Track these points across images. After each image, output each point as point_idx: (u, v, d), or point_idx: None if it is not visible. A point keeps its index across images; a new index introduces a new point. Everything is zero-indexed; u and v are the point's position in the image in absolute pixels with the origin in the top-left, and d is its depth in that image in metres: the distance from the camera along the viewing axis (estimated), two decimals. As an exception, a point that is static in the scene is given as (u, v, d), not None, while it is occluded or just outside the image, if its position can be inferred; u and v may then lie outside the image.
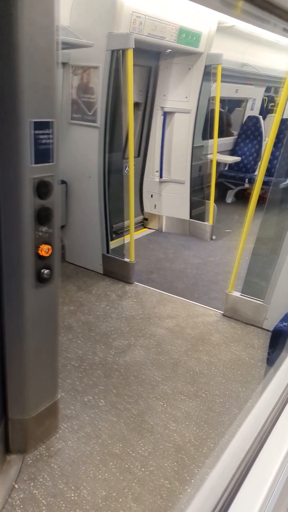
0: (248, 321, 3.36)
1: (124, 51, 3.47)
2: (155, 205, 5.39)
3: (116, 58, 3.59)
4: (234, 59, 5.78)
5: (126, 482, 2.00)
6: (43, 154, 1.72)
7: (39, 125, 1.66)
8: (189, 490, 1.96)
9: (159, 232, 5.38)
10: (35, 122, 1.65)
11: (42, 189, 1.74)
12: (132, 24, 3.63)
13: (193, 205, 5.23)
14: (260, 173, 3.19)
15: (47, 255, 1.82)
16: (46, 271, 1.85)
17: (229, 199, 6.71)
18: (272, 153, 4.93)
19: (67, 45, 3.45)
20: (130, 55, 3.42)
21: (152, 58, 4.83)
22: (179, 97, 4.96)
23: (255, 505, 0.85)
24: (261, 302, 3.26)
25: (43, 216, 1.77)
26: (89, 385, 2.60)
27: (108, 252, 4.04)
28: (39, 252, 1.80)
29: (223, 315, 3.50)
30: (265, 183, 3.50)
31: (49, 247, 1.82)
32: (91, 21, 3.54)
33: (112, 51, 3.55)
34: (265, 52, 6.44)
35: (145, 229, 5.45)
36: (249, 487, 0.90)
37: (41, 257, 1.82)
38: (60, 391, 2.36)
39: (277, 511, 0.89)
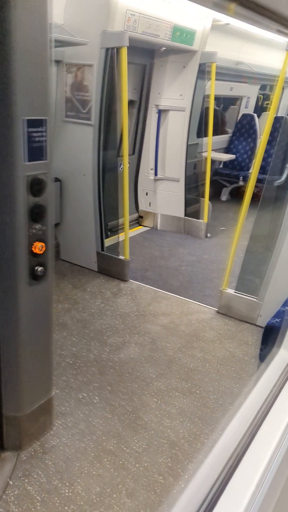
0: (242, 318, 3.39)
1: (118, 49, 3.47)
2: (150, 203, 5.40)
3: (111, 56, 3.59)
4: (229, 57, 5.78)
5: (120, 478, 2.02)
6: (36, 152, 1.72)
7: (32, 123, 1.67)
8: (182, 485, 1.98)
9: (154, 230, 5.39)
10: (28, 120, 1.65)
11: (36, 186, 1.75)
12: (126, 22, 3.63)
13: (188, 203, 5.24)
14: (254, 171, 3.20)
15: (41, 252, 1.83)
16: (40, 269, 1.85)
17: (224, 196, 6.73)
18: (267, 151, 4.97)
19: (61, 43, 3.45)
20: (124, 53, 3.42)
21: (147, 56, 4.83)
22: (174, 95, 4.96)
23: (245, 496, 0.86)
24: (254, 299, 3.28)
25: (36, 214, 1.77)
26: (84, 382, 2.61)
27: (103, 249, 4.05)
28: (33, 249, 1.80)
29: (217, 312, 3.52)
30: (259, 180, 3.52)
31: (43, 244, 1.82)
32: (85, 19, 3.54)
33: (107, 49, 3.55)
34: (260, 50, 6.44)
35: (140, 226, 5.46)
36: (239, 478, 0.91)
37: (34, 255, 1.82)
38: (54, 388, 2.37)
39: (267, 501, 0.91)
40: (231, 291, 3.43)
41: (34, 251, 1.81)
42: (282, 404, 1.06)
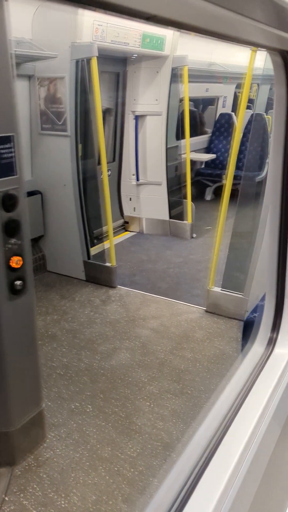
0: (230, 315, 3.41)
1: (88, 59, 3.51)
2: (134, 208, 5.43)
3: (81, 67, 3.63)
4: (201, 59, 5.85)
5: (115, 484, 2.03)
6: (5, 168, 1.74)
7: (-1, 140, 1.69)
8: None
9: (140, 234, 5.42)
10: (-5, 137, 1.68)
11: (8, 202, 1.77)
12: (94, 32, 3.67)
13: (171, 205, 5.28)
14: (230, 169, 3.25)
15: (18, 266, 1.84)
16: (19, 283, 1.87)
17: (208, 196, 6.78)
18: (247, 148, 5.03)
19: (32, 58, 3.48)
20: (94, 64, 3.47)
21: (120, 64, 4.88)
22: (149, 100, 5.02)
23: (219, 486, 0.89)
24: (241, 296, 3.32)
25: (11, 229, 1.79)
26: (76, 392, 2.62)
27: (89, 258, 4.06)
28: (10, 264, 1.82)
29: (206, 311, 3.54)
30: (242, 177, 3.57)
31: (20, 258, 1.84)
32: (53, 33, 3.58)
33: (77, 61, 3.59)
34: (233, 50, 6.53)
35: (127, 232, 5.48)
36: (212, 470, 0.93)
37: (12, 269, 1.84)
38: (45, 400, 2.38)
39: (243, 492, 0.93)
40: (217, 289, 3.46)
41: (12, 266, 1.82)
42: (254, 400, 1.08)
